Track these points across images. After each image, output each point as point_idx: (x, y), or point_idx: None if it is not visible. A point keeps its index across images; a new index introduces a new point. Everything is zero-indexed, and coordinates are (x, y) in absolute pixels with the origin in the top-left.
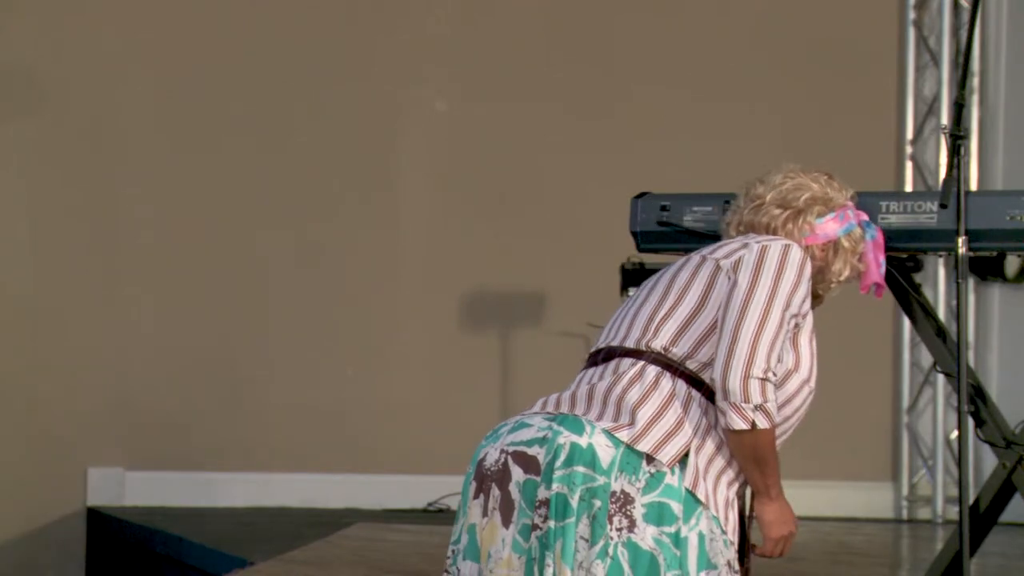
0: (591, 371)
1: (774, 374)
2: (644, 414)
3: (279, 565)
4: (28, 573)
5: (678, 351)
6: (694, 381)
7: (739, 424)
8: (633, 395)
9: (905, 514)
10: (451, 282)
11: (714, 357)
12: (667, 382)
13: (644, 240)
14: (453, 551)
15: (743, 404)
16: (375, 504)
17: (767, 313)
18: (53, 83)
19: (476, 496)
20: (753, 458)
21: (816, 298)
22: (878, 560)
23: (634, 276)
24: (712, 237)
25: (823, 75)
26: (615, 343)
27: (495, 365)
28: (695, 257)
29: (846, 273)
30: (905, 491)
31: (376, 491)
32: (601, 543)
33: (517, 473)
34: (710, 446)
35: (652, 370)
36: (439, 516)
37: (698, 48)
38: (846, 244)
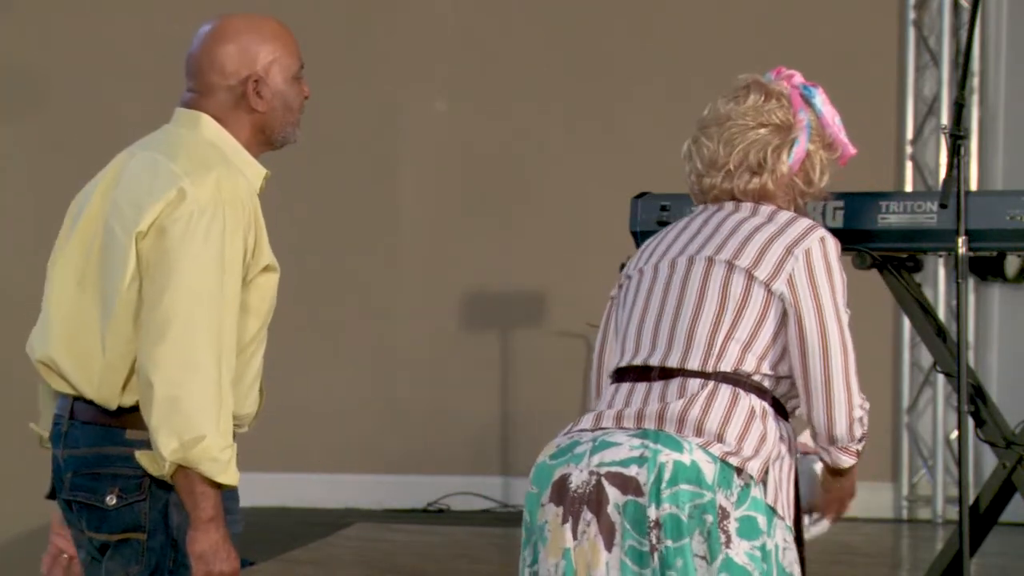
0: (639, 388)
1: (866, 400)
2: (731, 432)
3: (279, 565)
4: (28, 573)
5: (745, 368)
6: (761, 392)
7: (849, 462)
8: (715, 418)
9: (905, 514)
10: (451, 282)
11: (775, 369)
12: (744, 399)
13: (644, 240)
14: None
15: (850, 444)
16: (375, 504)
17: (844, 347)
18: (53, 83)
19: (565, 521)
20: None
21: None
22: (878, 560)
23: None
24: None
25: (823, 75)
26: (672, 364)
27: (495, 365)
28: (720, 265)
29: (827, 167)
30: (905, 491)
31: (376, 491)
32: (721, 557)
33: (614, 494)
34: (784, 455)
35: (726, 389)
36: (439, 516)
37: (698, 48)
38: (812, 147)
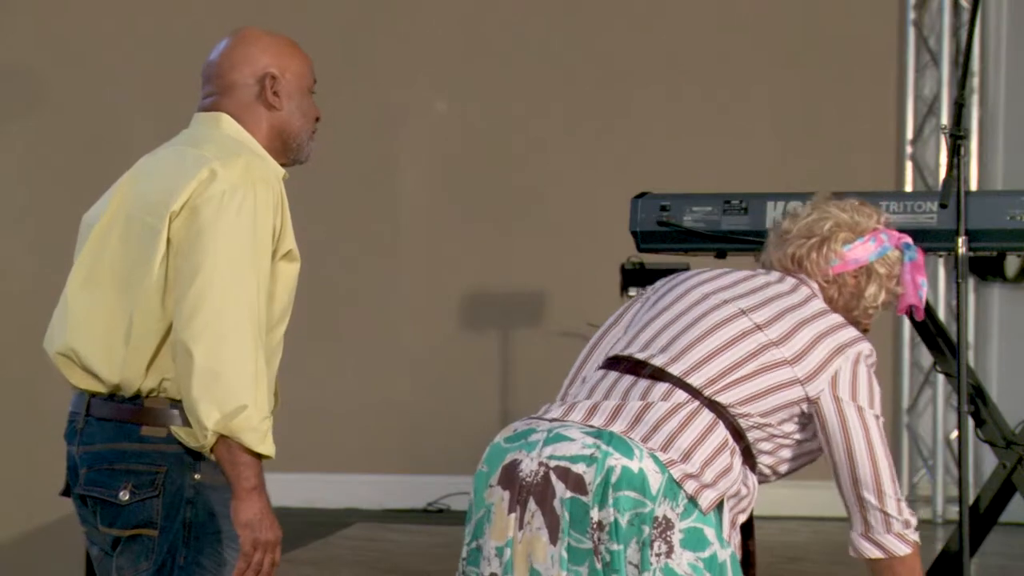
0: (625, 380)
1: (902, 493)
2: (699, 455)
3: (279, 565)
4: (28, 573)
5: (735, 407)
6: (737, 433)
7: (904, 550)
8: (689, 436)
9: None
10: (451, 282)
11: (767, 416)
12: (721, 430)
13: (644, 240)
14: (469, 553)
15: (905, 531)
16: (375, 504)
17: (875, 454)
18: (53, 83)
19: (512, 510)
20: None
21: (857, 325)
22: None
23: (634, 276)
24: (711, 238)
25: (823, 75)
26: (672, 371)
27: (495, 365)
28: (744, 320)
29: (882, 298)
30: (905, 491)
31: (376, 491)
32: (650, 571)
33: (560, 489)
34: (741, 497)
35: (708, 415)
36: (439, 516)
37: (698, 48)
38: (880, 269)
